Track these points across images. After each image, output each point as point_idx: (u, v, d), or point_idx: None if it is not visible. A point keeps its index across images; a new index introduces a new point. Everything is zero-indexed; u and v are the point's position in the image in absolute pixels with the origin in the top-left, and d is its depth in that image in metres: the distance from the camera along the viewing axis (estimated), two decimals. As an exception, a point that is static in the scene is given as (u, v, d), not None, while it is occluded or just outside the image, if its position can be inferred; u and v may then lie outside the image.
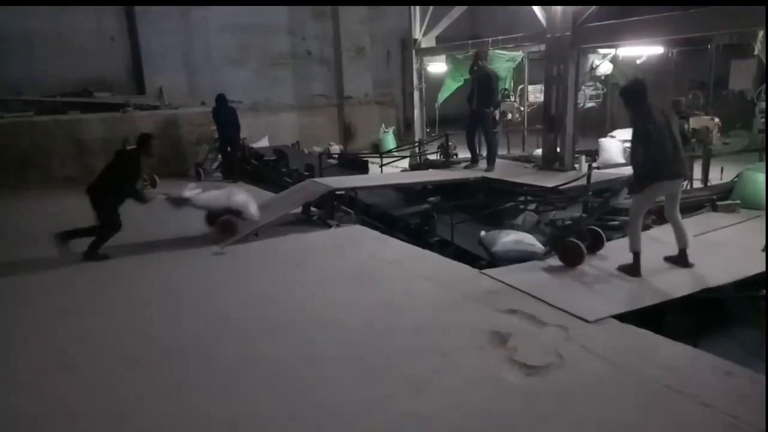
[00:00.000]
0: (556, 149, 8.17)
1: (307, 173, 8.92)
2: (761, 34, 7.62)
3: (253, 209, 6.16)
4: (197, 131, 11.22)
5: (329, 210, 6.82)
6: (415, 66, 11.29)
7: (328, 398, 3.02)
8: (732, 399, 2.83)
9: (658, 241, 5.39)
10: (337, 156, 12.33)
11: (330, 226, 6.49)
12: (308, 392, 3.08)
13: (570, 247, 4.81)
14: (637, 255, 4.54)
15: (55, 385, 3.28)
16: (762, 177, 6.37)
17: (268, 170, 10.44)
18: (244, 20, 13.59)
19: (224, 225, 6.04)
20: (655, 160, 4.38)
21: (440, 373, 3.21)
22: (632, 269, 4.54)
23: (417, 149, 10.99)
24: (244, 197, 6.23)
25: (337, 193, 7.07)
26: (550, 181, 7.25)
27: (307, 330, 3.87)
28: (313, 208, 6.96)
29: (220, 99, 10.16)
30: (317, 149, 12.57)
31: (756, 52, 8.02)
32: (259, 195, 8.21)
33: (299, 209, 6.96)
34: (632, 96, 4.61)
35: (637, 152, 4.51)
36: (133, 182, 5.65)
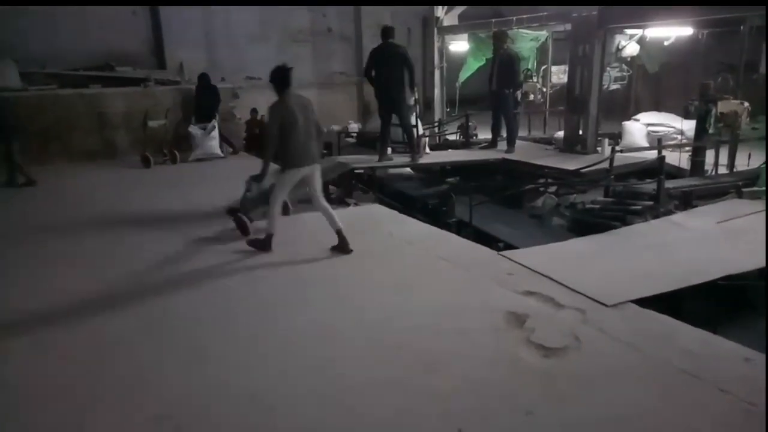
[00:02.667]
0: (578, 131, 8.05)
1: (325, 151, 8.91)
2: (797, 15, 7.34)
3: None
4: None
5: (347, 189, 6.82)
6: (436, 44, 11.15)
7: (345, 374, 3.05)
8: (750, 386, 2.80)
9: (679, 226, 5.32)
10: (355, 135, 12.28)
11: (348, 205, 6.49)
12: (326, 368, 3.12)
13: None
14: (270, 236, 4.96)
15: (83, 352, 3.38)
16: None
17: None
18: (264, -5, 13.47)
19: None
20: (288, 149, 4.78)
21: (457, 353, 3.23)
22: (263, 244, 4.97)
23: (437, 129, 10.90)
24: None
25: (356, 171, 7.06)
26: (571, 163, 7.16)
27: (324, 308, 3.90)
28: (331, 187, 6.97)
29: (202, 78, 10.08)
30: (336, 127, 12.53)
31: (790, 35, 7.76)
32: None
33: (318, 187, 6.96)
34: (277, 79, 4.88)
35: (272, 134, 4.86)
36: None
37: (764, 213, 5.73)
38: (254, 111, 11.73)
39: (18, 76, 9.28)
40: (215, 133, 9.55)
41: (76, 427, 2.69)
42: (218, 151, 9.57)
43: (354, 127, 13.62)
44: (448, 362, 3.13)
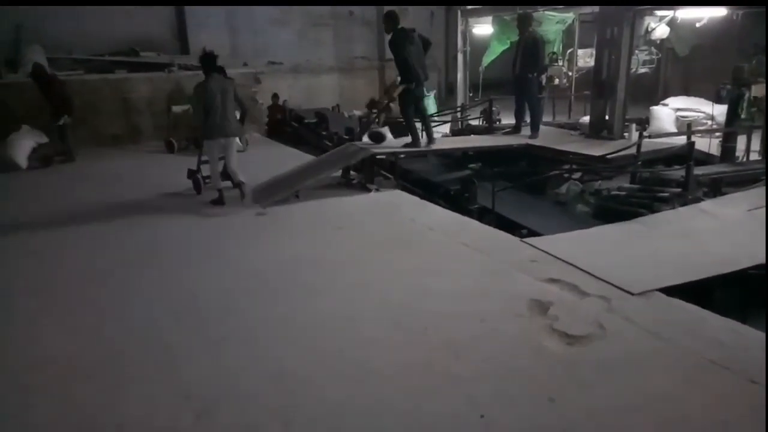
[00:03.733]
0: (604, 116, 7.88)
1: (347, 137, 8.91)
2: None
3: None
4: (240, 93, 11.24)
5: (369, 174, 6.81)
6: (459, 27, 10.99)
7: (367, 358, 3.07)
8: (782, 377, 2.74)
9: (708, 214, 5.20)
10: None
11: (369, 191, 6.49)
12: (347, 351, 3.15)
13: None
14: (220, 191, 6.12)
15: (108, 330, 3.46)
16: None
17: (308, 133, 10.47)
18: (286, -20, 13.44)
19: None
20: (207, 123, 5.89)
21: (479, 338, 3.22)
22: (217, 201, 6.10)
23: (459, 114, 10.79)
24: None
25: (378, 157, 7.05)
26: (597, 149, 7.02)
27: (347, 291, 3.93)
28: (352, 172, 6.97)
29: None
30: (357, 113, 12.50)
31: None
32: (299, 157, 8.30)
33: (339, 173, 6.98)
34: (203, 63, 5.97)
35: (197, 111, 6.28)
36: None
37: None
38: (276, 96, 11.75)
39: (46, 62, 9.43)
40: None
41: (108, 406, 2.76)
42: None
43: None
44: (472, 347, 3.13)
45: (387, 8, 7.62)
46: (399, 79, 7.06)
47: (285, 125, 11.23)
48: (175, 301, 3.86)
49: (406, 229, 5.20)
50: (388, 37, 6.95)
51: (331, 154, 7.73)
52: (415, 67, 6.74)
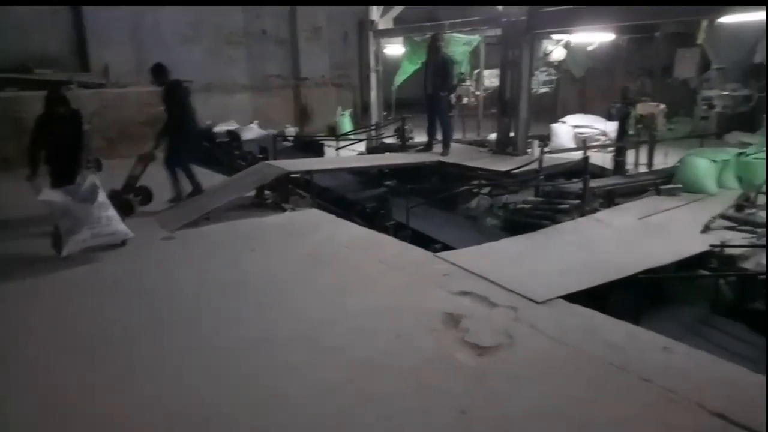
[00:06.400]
0: (509, 134, 8.31)
1: (261, 156, 8.77)
2: (704, 23, 7.91)
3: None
4: (146, 112, 10.80)
5: (284, 193, 6.73)
6: (372, 48, 11.20)
7: (283, 382, 3.00)
8: (670, 374, 2.97)
9: (603, 223, 5.59)
10: (292, 138, 12.17)
11: (284, 210, 6.41)
12: (262, 377, 3.06)
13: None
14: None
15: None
16: (702, 162, 6.68)
17: (221, 152, 10.21)
18: (195, -4, 13.12)
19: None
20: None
21: (395, 354, 3.25)
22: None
23: (373, 132, 10.95)
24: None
25: (292, 176, 6.99)
26: (503, 165, 7.38)
27: (261, 314, 3.84)
28: (267, 192, 6.86)
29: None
30: (272, 131, 12.35)
31: (699, 41, 8.33)
32: (211, 178, 8.04)
33: (253, 193, 6.84)
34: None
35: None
36: None
37: (681, 208, 6.13)
38: None
39: None
40: (101, 198, 4.99)
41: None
42: (121, 227, 5.15)
43: (291, 130, 13.47)
44: (387, 364, 3.14)
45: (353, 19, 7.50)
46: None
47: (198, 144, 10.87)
48: (79, 335, 3.59)
49: (322, 248, 5.17)
50: (160, 89, 6.64)
51: (244, 173, 7.57)
52: (187, 120, 6.58)
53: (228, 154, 10.02)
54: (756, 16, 6.32)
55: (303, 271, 4.58)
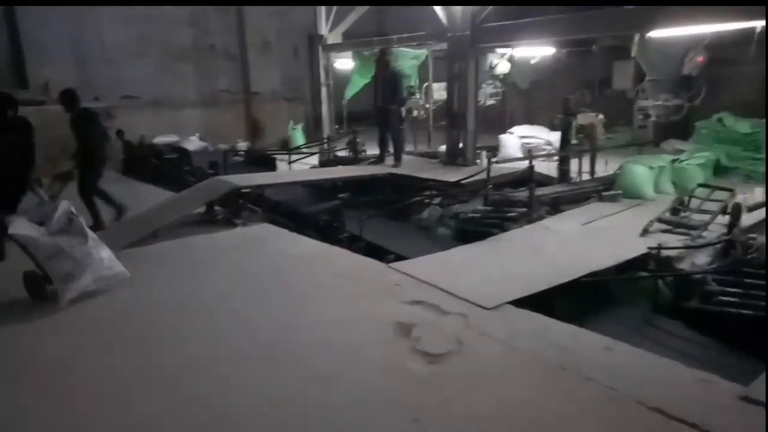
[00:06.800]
0: (458, 145, 8.50)
1: (211, 171, 8.65)
2: (637, 37, 8.35)
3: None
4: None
5: (234, 209, 6.65)
6: (322, 62, 11.27)
7: (236, 400, 2.96)
8: (611, 372, 3.10)
9: (550, 230, 5.78)
10: (243, 153, 12.05)
11: (235, 226, 6.33)
12: (214, 396, 3.01)
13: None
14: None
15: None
16: (640, 169, 7.01)
17: (170, 168, 10.00)
18: (140, 10, 12.87)
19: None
20: None
21: (348, 366, 3.26)
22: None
23: (326, 146, 10.98)
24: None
25: (243, 191, 6.92)
26: (453, 175, 7.54)
27: (214, 331, 3.76)
28: (217, 208, 6.76)
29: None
30: (223, 146, 12.19)
31: (633, 54, 8.78)
32: (159, 195, 7.87)
33: (202, 209, 6.73)
34: None
35: None
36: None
37: (621, 213, 6.42)
38: (120, 132, 11.10)
39: None
40: (79, 225, 4.33)
41: None
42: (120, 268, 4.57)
43: (242, 145, 13.34)
44: (341, 376, 3.15)
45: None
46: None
47: (144, 161, 10.63)
48: (18, 363, 3.44)
49: (275, 263, 5.14)
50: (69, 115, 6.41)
51: (193, 189, 7.44)
52: (98, 148, 6.52)
53: (177, 170, 9.82)
54: (682, 31, 6.73)
55: (255, 286, 4.54)
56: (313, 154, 10.86)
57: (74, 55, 12.22)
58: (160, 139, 11.80)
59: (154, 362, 3.39)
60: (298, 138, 13.61)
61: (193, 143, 11.92)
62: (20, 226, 4.06)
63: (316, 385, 3.07)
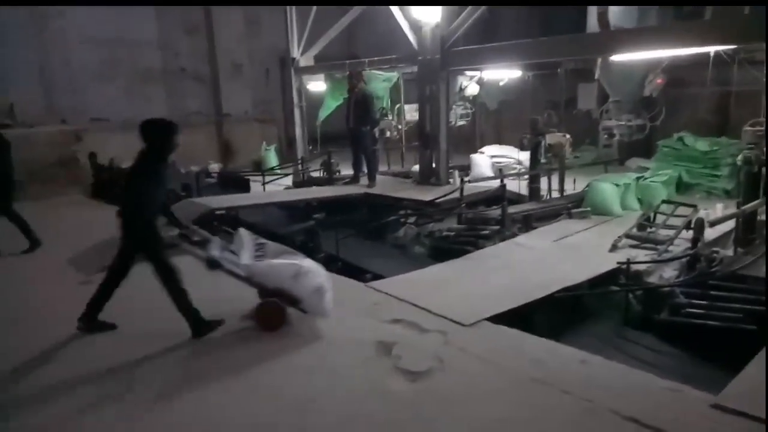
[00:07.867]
0: (431, 165, 8.64)
1: (183, 193, 8.57)
2: (599, 61, 8.68)
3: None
4: (58, 152, 10.34)
5: (208, 230, 6.58)
6: (294, 84, 11.34)
7: (214, 423, 2.94)
8: (587, 384, 3.19)
9: (523, 246, 5.90)
10: (216, 174, 11.97)
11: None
12: (195, 425, 2.98)
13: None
14: None
15: None
16: (606, 186, 7.24)
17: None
18: (108, 33, 12.80)
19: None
20: None
21: (328, 388, 3.26)
22: None
23: (300, 167, 10.99)
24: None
25: (217, 213, 6.88)
26: (427, 195, 7.64)
27: (190, 351, 3.73)
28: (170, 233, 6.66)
29: None
30: (195, 168, 12.08)
31: (596, 77, 9.11)
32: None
33: (176, 231, 6.64)
34: None
35: None
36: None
37: (590, 230, 6.60)
38: (93, 155, 10.95)
39: None
40: (271, 245, 4.82)
41: None
42: None
43: (215, 167, 13.25)
44: (322, 400, 3.15)
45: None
46: None
47: (114, 185, 10.45)
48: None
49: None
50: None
51: (166, 212, 7.35)
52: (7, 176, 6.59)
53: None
54: (641, 55, 7.04)
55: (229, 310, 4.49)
56: (287, 175, 10.85)
57: (40, 78, 12.04)
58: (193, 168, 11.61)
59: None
60: (271, 159, 13.59)
61: None
62: (238, 258, 4.11)
63: (298, 411, 3.06)
